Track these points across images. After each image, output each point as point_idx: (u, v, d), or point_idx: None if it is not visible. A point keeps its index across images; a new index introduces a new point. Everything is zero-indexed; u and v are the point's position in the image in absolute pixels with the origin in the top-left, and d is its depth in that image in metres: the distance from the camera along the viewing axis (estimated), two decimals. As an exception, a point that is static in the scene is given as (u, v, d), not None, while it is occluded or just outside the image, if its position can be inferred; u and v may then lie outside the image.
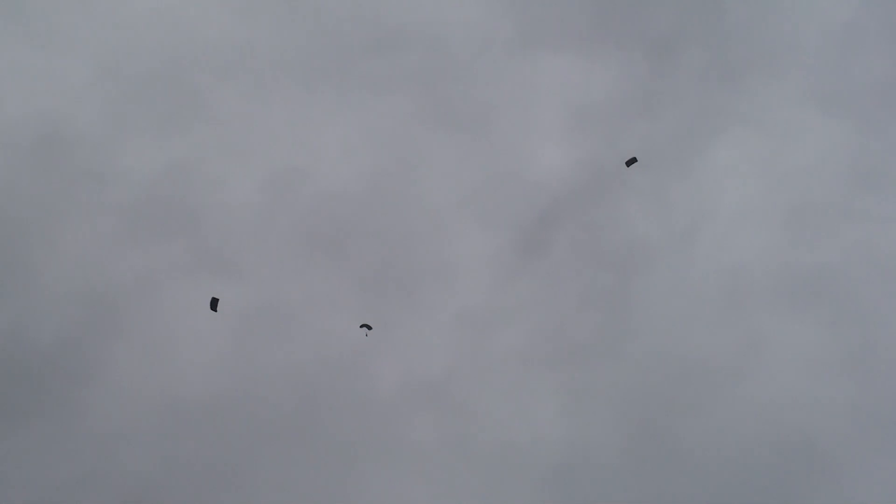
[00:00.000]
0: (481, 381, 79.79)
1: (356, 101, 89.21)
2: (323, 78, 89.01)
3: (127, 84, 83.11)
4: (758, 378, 78.26)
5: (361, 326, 69.99)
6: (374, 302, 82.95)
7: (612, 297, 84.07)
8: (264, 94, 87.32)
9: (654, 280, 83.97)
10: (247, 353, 77.93)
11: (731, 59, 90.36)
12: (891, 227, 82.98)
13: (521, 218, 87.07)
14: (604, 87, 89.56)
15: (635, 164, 70.62)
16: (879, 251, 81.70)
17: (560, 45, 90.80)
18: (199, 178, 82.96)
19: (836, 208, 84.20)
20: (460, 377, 79.81)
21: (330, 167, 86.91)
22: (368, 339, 76.76)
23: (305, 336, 77.42)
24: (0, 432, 69.90)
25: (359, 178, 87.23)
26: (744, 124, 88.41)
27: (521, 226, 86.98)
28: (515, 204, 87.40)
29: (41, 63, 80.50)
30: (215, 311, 64.82)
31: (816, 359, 78.39)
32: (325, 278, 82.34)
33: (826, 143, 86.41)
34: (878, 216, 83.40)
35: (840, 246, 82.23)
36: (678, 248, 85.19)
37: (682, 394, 78.40)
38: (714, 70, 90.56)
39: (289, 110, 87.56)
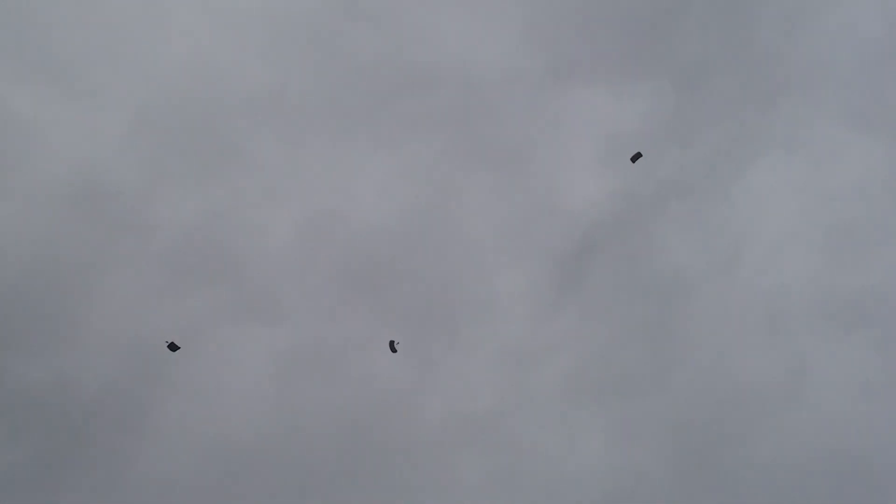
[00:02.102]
0: (527, 415, 79.90)
1: (390, 142, 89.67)
2: (356, 120, 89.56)
3: (163, 134, 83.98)
4: (806, 403, 78.21)
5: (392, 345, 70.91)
6: (415, 340, 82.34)
7: (654, 326, 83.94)
8: (298, 138, 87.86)
9: (696, 308, 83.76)
10: (291, 396, 78.60)
11: (764, 83, 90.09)
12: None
13: (559, 251, 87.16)
14: (635, 117, 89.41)
15: (640, 158, 71.47)
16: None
17: (589, 78, 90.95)
18: (238, 224, 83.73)
19: (879, 228, 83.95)
20: (505, 413, 79.90)
21: (366, 208, 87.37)
22: (412, 376, 79.74)
23: (349, 377, 78.02)
24: (50, 484, 70.83)
25: (396, 218, 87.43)
26: (780, 147, 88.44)
27: (560, 259, 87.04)
28: (552, 237, 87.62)
29: (78, 117, 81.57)
30: (174, 351, 67.24)
31: (865, 381, 77.99)
32: (366, 318, 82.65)
33: (865, 162, 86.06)
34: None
35: (884, 266, 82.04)
36: (719, 274, 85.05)
37: (730, 422, 78.43)
38: (747, 94, 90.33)
39: (323, 153, 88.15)
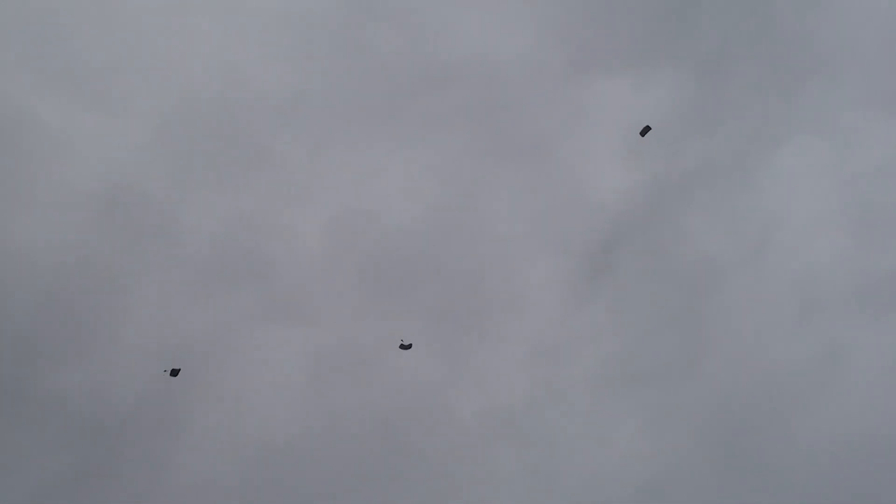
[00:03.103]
0: (559, 408, 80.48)
1: (414, 139, 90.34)
2: (379, 119, 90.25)
3: (188, 141, 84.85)
4: (840, 386, 78.28)
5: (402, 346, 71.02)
6: (446, 336, 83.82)
7: (684, 315, 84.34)
8: (323, 139, 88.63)
9: (726, 295, 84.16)
10: (325, 397, 79.41)
11: (787, 67, 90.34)
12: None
13: (587, 243, 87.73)
14: (658, 106, 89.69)
15: (649, 132, 70.51)
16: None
17: (611, 69, 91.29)
18: (266, 227, 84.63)
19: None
20: (538, 406, 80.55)
21: (393, 207, 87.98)
22: (443, 372, 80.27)
23: (381, 375, 78.41)
24: (90, 492, 71.62)
25: (422, 215, 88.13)
26: (805, 131, 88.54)
27: (588, 250, 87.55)
28: (579, 229, 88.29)
29: (104, 126, 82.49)
30: (174, 375, 67.29)
31: (898, 362, 77.81)
32: (396, 316, 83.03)
33: (892, 143, 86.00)
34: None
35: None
36: (748, 260, 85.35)
37: (764, 408, 78.70)
38: (770, 79, 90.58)
39: (348, 153, 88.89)
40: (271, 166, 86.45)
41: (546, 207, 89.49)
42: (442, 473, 76.57)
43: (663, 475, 76.65)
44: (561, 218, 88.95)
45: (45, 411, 73.11)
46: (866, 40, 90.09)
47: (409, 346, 71.05)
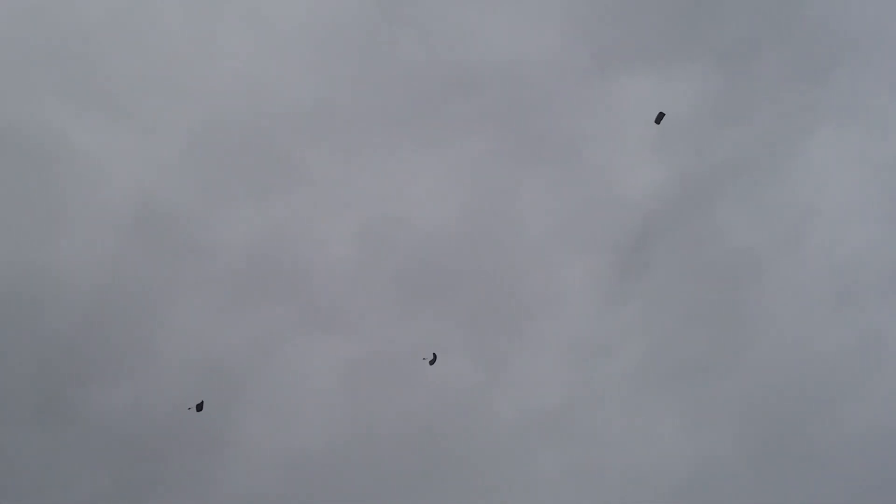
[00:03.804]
0: (600, 406, 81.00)
1: (443, 144, 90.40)
2: (407, 125, 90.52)
3: (217, 156, 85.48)
4: (883, 372, 78.91)
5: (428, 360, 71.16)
6: (483, 340, 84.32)
7: (721, 309, 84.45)
8: (351, 148, 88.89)
9: (763, 287, 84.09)
10: (365, 404, 79.98)
11: (814, 55, 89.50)
12: None
13: (620, 240, 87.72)
14: (686, 100, 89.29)
15: (664, 118, 69.73)
16: None
17: (636, 65, 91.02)
18: (298, 238, 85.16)
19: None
20: (578, 405, 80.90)
21: (424, 212, 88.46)
22: (482, 375, 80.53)
23: (420, 381, 78.28)
24: None
25: (454, 219, 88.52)
26: (837, 119, 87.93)
27: (621, 248, 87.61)
28: (612, 227, 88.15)
29: (133, 146, 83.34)
30: (200, 410, 67.14)
31: (942, 348, 78.02)
32: (432, 321, 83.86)
33: None
34: None
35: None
36: (784, 251, 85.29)
37: (807, 399, 79.28)
38: (798, 67, 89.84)
39: (377, 161, 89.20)
40: (301, 178, 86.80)
41: (577, 206, 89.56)
42: (483, 476, 76.84)
43: (707, 470, 77.07)
44: (593, 216, 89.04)
45: (89, 430, 73.76)
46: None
47: (434, 359, 71.33)
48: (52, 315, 76.25)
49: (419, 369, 77.79)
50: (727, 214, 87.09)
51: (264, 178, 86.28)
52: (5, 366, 74.19)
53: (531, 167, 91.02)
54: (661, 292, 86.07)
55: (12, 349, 74.53)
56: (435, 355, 70.27)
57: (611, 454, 78.64)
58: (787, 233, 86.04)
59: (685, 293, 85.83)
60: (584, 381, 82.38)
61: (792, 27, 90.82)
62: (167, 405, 75.77)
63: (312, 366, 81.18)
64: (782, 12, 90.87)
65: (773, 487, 74.95)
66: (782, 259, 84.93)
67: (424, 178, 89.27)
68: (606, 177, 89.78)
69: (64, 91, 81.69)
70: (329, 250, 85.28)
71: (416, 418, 78.89)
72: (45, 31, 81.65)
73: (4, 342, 74.46)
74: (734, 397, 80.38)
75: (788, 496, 73.78)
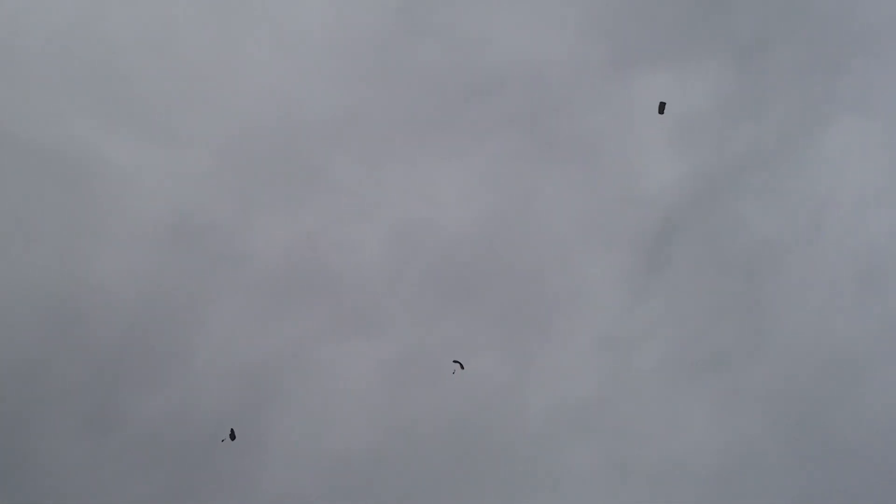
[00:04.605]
0: (629, 399, 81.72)
1: (466, 148, 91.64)
2: (431, 131, 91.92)
3: (249, 167, 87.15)
4: None
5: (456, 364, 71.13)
6: (512, 337, 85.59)
7: (745, 299, 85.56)
8: (378, 154, 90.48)
9: (785, 276, 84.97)
10: (399, 402, 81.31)
11: (827, 48, 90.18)
12: None
13: (643, 235, 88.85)
14: (702, 96, 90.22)
15: (665, 107, 69.43)
16: None
17: (652, 63, 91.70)
18: (330, 243, 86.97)
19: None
20: (608, 398, 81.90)
21: (451, 214, 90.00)
22: (513, 371, 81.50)
23: (452, 378, 77.47)
24: None
25: (479, 220, 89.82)
26: (851, 110, 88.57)
27: (644, 243, 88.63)
28: (635, 223, 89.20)
29: (169, 161, 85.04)
30: (233, 439, 66.78)
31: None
32: (462, 320, 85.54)
33: None
34: None
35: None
36: (804, 241, 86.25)
37: (831, 383, 79.81)
38: (812, 61, 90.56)
39: (404, 166, 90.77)
40: (331, 185, 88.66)
41: (600, 204, 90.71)
42: (517, 469, 77.95)
43: (736, 458, 77.64)
44: (615, 213, 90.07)
45: (135, 434, 76.02)
46: None
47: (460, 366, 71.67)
48: (96, 326, 78.03)
49: (451, 367, 78.63)
50: (747, 207, 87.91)
51: (295, 186, 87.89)
52: (54, 375, 75.29)
53: (553, 167, 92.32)
54: (685, 285, 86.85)
55: (60, 360, 75.77)
56: (461, 364, 70.97)
57: (641, 445, 79.26)
58: (806, 223, 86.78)
59: (709, 285, 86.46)
60: (612, 374, 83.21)
61: (804, 22, 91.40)
62: (209, 409, 77.67)
63: (347, 367, 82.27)
64: (794, 7, 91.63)
65: (802, 472, 75.03)
66: (802, 249, 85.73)
67: (450, 181, 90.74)
68: (627, 174, 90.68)
69: (99, 111, 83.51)
70: (360, 254, 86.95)
71: (450, 415, 79.70)
72: (79, 54, 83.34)
73: (53, 353, 75.75)
74: (760, 385, 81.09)
75: (815, 478, 74.04)
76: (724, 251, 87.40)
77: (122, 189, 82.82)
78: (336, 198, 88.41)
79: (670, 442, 79.44)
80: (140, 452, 75.20)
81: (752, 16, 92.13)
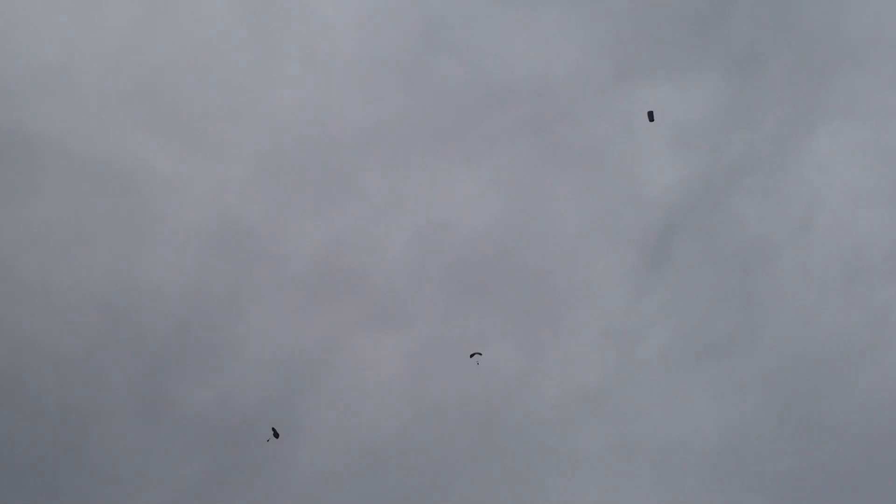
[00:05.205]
0: (633, 386, 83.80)
1: (481, 156, 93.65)
2: (449, 141, 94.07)
3: (284, 175, 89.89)
4: (887, 344, 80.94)
5: (473, 356, 71.06)
6: (526, 329, 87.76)
7: (740, 292, 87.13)
8: (400, 163, 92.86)
9: (777, 271, 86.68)
10: (422, 390, 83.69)
11: (815, 59, 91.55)
12: None
13: (645, 234, 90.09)
14: (699, 106, 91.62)
15: (653, 115, 70.52)
16: None
17: (652, 76, 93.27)
18: (358, 245, 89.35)
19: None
20: (614, 384, 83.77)
21: (468, 217, 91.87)
22: (526, 361, 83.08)
23: (471, 367, 76.67)
24: (224, 490, 76.54)
25: (495, 222, 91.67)
26: (838, 116, 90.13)
27: (646, 242, 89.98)
28: (637, 223, 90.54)
29: (211, 170, 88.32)
30: (277, 436, 68.52)
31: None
32: (480, 314, 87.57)
33: None
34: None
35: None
36: (795, 238, 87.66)
37: (820, 369, 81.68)
38: (800, 70, 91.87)
39: (424, 173, 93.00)
40: (358, 191, 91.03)
41: (605, 206, 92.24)
42: (531, 450, 79.49)
43: (733, 438, 79.56)
44: (620, 214, 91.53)
45: (183, 422, 78.20)
46: (888, 27, 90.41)
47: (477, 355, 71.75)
48: (148, 323, 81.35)
49: (472, 359, 78.38)
50: (742, 207, 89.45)
51: (326, 193, 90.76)
52: (111, 368, 78.75)
53: (561, 172, 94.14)
54: (684, 280, 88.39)
55: (116, 354, 79.28)
56: (473, 355, 71.62)
57: (645, 428, 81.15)
58: (796, 221, 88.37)
59: (707, 280, 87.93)
60: (618, 363, 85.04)
61: (793, 36, 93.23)
62: (250, 397, 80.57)
63: (375, 358, 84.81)
64: (784, 23, 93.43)
65: (793, 451, 76.85)
66: (793, 245, 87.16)
67: (467, 187, 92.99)
68: (630, 178, 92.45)
69: (148, 126, 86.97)
70: (385, 255, 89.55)
71: (469, 400, 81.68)
72: (129, 75, 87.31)
73: (109, 348, 79.33)
74: (755, 372, 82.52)
75: (808, 458, 75.76)
76: (720, 249, 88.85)
77: (169, 197, 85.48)
78: (363, 203, 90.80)
79: (672, 424, 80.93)
80: (188, 437, 77.38)
81: (745, 31, 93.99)
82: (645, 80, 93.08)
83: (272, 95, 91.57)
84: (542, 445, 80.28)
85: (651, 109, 69.38)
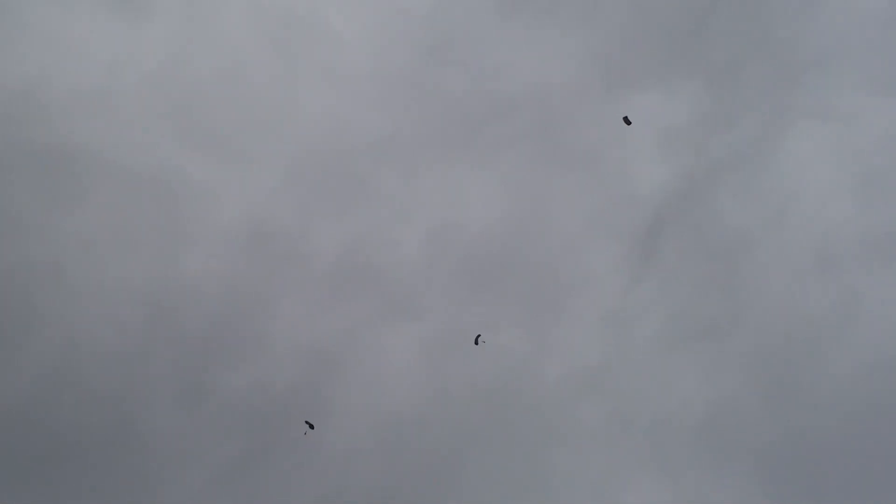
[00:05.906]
0: (629, 366, 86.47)
1: (487, 161, 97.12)
2: (458, 147, 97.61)
3: (309, 181, 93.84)
4: (857, 323, 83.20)
5: (477, 340, 71.42)
6: (530, 316, 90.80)
7: (723, 279, 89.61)
8: (415, 168, 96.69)
9: (757, 259, 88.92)
10: (436, 374, 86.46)
11: (787, 65, 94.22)
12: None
13: (636, 229, 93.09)
14: (684, 110, 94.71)
15: (628, 119, 70.93)
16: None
17: (640, 84, 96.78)
18: (377, 244, 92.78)
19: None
20: (611, 365, 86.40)
21: (477, 216, 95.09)
22: (531, 345, 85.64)
23: (480, 352, 77.49)
24: (259, 469, 79.41)
25: (501, 221, 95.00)
26: (811, 116, 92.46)
27: (638, 236, 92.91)
28: (630, 219, 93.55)
29: (241, 177, 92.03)
30: (312, 427, 69.35)
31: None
32: (489, 304, 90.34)
33: (886, 120, 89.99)
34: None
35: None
36: (772, 229, 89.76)
37: (797, 347, 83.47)
38: (775, 76, 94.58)
39: (435, 177, 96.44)
40: (376, 194, 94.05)
41: (601, 203, 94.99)
42: (536, 425, 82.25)
43: (719, 412, 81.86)
44: (614, 211, 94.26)
45: (220, 407, 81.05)
46: (855, 34, 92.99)
47: (481, 339, 71.66)
48: (187, 317, 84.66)
49: (479, 341, 79.35)
50: (723, 202, 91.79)
51: (347, 197, 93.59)
52: (153, 359, 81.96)
53: (561, 173, 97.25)
54: (673, 269, 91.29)
55: (158, 346, 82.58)
56: (477, 340, 71.26)
57: (640, 403, 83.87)
58: (773, 214, 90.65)
59: (693, 269, 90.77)
60: (614, 345, 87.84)
61: (766, 45, 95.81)
62: (282, 383, 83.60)
63: (394, 345, 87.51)
64: (757, 33, 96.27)
65: (773, 421, 79.34)
66: (771, 236, 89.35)
67: (475, 189, 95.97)
68: (622, 177, 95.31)
69: (184, 138, 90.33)
70: (401, 252, 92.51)
71: (479, 382, 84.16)
72: (167, 92, 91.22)
73: (151, 341, 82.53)
74: (739, 351, 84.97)
75: (787, 428, 78.27)
76: (705, 240, 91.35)
77: (206, 203, 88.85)
78: (381, 205, 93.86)
79: (663, 399, 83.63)
80: (226, 419, 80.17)
81: (722, 43, 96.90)
82: (633, 88, 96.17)
83: (297, 109, 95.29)
84: (546, 420, 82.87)
85: (626, 115, 71.41)
